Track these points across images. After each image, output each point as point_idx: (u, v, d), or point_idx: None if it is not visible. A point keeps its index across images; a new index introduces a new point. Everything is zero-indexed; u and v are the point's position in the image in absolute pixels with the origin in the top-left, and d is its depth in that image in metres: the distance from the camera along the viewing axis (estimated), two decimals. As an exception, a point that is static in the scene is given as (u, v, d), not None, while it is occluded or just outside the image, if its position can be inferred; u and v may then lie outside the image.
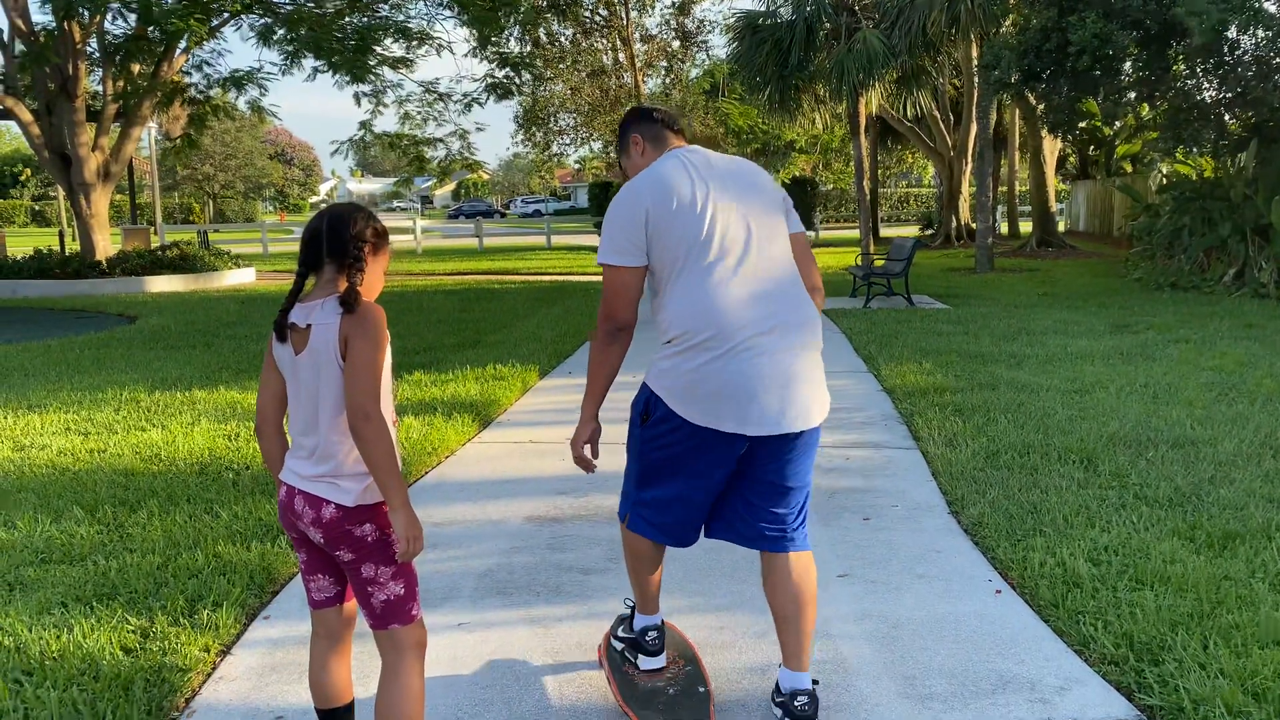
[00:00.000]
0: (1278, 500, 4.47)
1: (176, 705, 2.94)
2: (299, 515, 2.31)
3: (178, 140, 20.07)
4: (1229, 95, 13.77)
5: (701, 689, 2.90)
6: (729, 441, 2.64)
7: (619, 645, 3.10)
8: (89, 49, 17.50)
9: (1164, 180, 18.68)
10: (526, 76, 20.22)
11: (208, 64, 18.87)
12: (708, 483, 2.72)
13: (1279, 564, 3.71)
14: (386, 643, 2.32)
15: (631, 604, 3.09)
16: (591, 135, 29.64)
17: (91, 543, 4.24)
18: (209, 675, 3.13)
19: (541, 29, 25.62)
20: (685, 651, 3.13)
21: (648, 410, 2.73)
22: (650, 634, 2.97)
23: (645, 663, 2.98)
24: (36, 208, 65.02)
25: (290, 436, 2.37)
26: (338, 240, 2.30)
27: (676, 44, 27.66)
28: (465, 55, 29.53)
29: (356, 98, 17.77)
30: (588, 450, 2.87)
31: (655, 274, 2.70)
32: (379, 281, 2.38)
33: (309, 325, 2.27)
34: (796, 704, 2.70)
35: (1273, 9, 12.45)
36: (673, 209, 2.62)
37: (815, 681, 2.78)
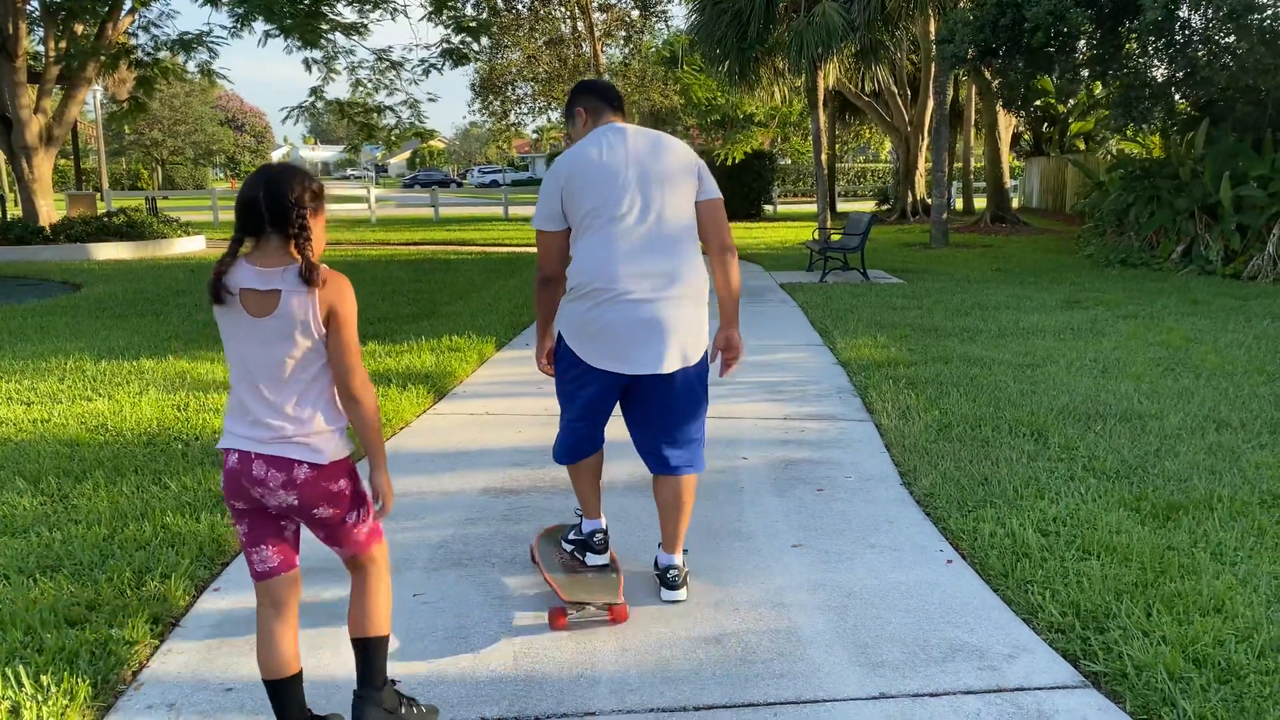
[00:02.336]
0: (1220, 472, 4.57)
1: (123, 678, 2.89)
2: (259, 480, 2.31)
3: (125, 104, 19.54)
4: (1179, 74, 13.95)
5: (614, 575, 3.42)
6: (612, 377, 3.19)
7: (569, 547, 3.61)
8: (30, 7, 16.95)
9: (1109, 159, 18.90)
10: (484, 42, 19.94)
11: (155, 25, 18.43)
12: (596, 411, 3.30)
13: (1220, 534, 3.81)
14: (366, 561, 2.53)
15: (580, 512, 3.62)
16: (549, 105, 29.34)
17: (35, 514, 4.14)
18: (157, 648, 3.08)
19: (499, -5, 25.25)
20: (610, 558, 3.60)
21: (559, 346, 3.33)
22: (597, 536, 3.49)
23: (592, 559, 3.48)
24: (-24, 172, 63.15)
25: (240, 402, 2.35)
26: (279, 209, 2.29)
27: (636, 13, 27.42)
28: (421, 20, 28.97)
29: (307, 63, 17.42)
30: (547, 362, 3.46)
31: (573, 234, 3.22)
32: (322, 239, 2.39)
33: (273, 290, 2.29)
34: (669, 575, 3.39)
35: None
36: (585, 182, 3.13)
37: (686, 550, 3.58)
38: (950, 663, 2.95)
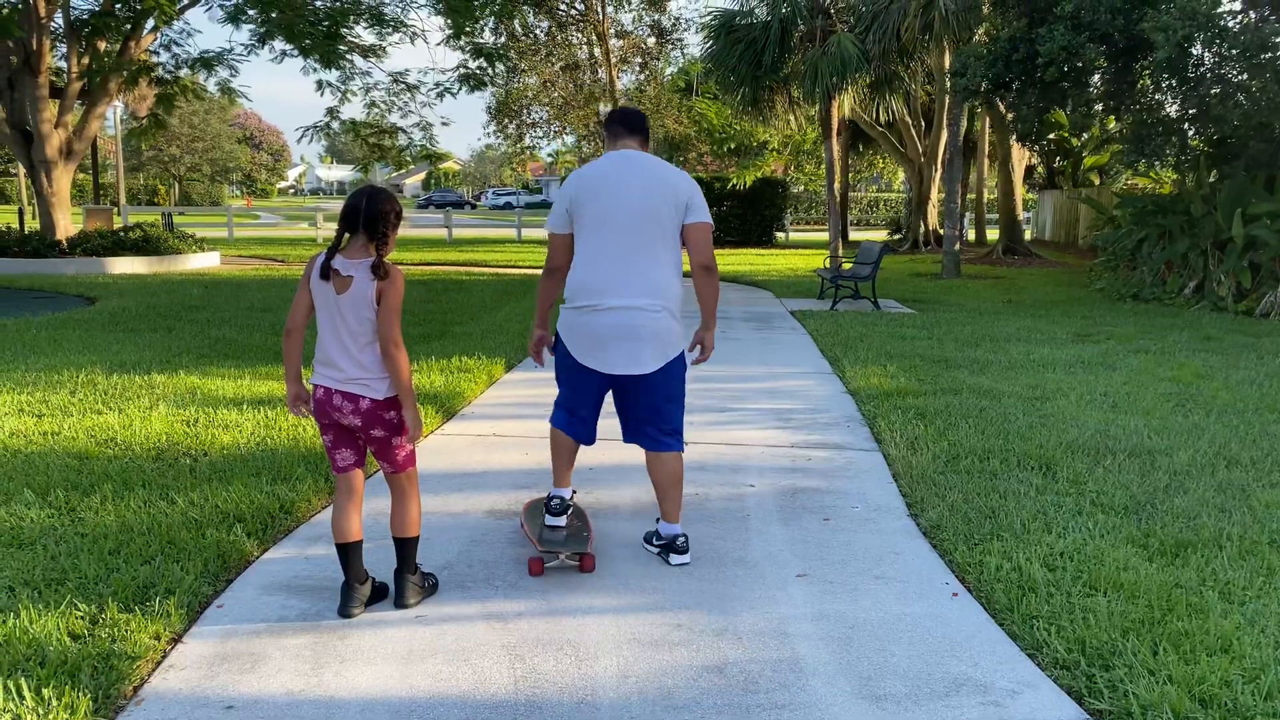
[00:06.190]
0: (1230, 510, 4.54)
1: (124, 693, 2.89)
2: (337, 408, 3.31)
3: (144, 120, 19.74)
4: (1191, 111, 13.96)
5: (585, 534, 3.99)
6: (595, 374, 3.84)
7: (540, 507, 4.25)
8: (54, 24, 17.18)
9: (1115, 196, 18.86)
10: (500, 68, 20.13)
11: (176, 44, 18.63)
12: (587, 397, 3.94)
13: (1229, 573, 3.78)
14: (403, 479, 3.47)
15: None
16: (565, 129, 29.52)
17: (41, 526, 4.16)
18: (159, 664, 3.08)
19: (517, 20, 25.48)
20: (584, 520, 4.17)
21: (557, 341, 3.97)
22: (554, 500, 4.02)
23: (549, 520, 4.02)
24: (-4, 184, 63.72)
25: (325, 352, 3.28)
26: (372, 217, 3.23)
27: (652, 41, 27.62)
28: (439, 44, 29.31)
29: (319, 85, 17.59)
30: (545, 353, 4.13)
31: (575, 240, 3.84)
32: (393, 244, 3.32)
33: (350, 276, 3.23)
34: (678, 543, 3.93)
35: (1236, 27, 12.64)
36: (586, 198, 3.75)
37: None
38: (954, 697, 2.93)
